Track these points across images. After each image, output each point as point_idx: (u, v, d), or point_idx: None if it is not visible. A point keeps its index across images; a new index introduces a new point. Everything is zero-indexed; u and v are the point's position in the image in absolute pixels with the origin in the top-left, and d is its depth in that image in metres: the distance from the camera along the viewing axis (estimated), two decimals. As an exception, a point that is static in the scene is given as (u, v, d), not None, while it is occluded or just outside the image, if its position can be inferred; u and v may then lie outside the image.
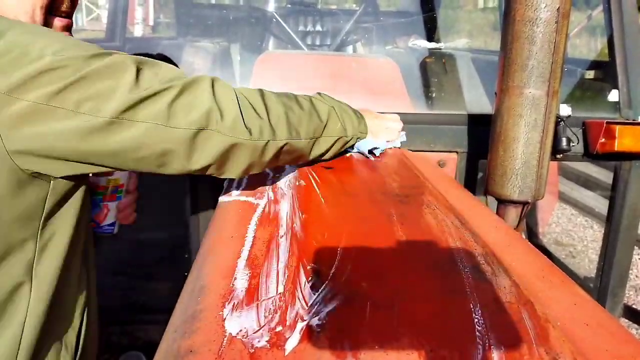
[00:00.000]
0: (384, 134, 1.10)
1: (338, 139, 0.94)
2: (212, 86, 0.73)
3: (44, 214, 0.68)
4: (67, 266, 0.74)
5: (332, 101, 0.96)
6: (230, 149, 0.73)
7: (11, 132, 0.60)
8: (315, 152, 0.91)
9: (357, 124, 0.99)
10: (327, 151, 0.94)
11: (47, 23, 0.75)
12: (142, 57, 0.73)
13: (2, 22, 0.64)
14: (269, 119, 0.77)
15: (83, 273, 0.80)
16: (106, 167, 0.69)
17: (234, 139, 0.72)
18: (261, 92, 0.81)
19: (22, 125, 0.60)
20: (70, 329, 0.77)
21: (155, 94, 0.67)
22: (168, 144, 0.69)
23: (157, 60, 0.74)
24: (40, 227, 0.68)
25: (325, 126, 0.90)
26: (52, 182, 0.68)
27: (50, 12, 0.75)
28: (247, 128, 0.73)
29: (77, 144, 0.64)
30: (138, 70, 0.68)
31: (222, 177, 0.78)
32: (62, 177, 0.68)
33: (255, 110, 0.76)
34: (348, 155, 1.06)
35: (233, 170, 0.77)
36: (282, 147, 0.79)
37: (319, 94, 0.97)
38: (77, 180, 0.71)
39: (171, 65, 0.75)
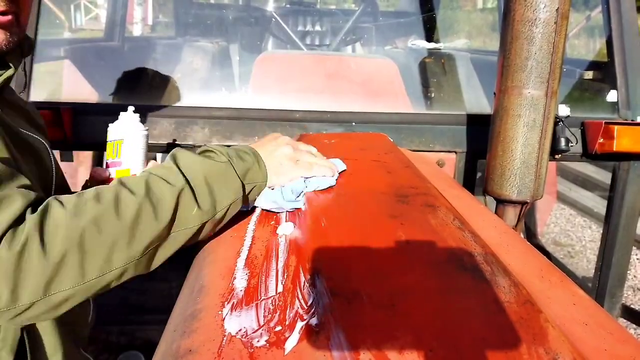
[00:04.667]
0: (292, 171, 0.78)
1: (202, 225, 0.67)
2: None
3: None
4: None
5: (193, 166, 0.67)
6: None
7: None
8: (159, 260, 0.66)
9: (242, 171, 0.72)
10: (182, 245, 0.67)
11: None
12: None
13: None
14: (41, 271, 0.54)
15: None
16: None
17: None
18: (58, 214, 0.57)
19: None
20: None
21: None
22: None
23: None
24: None
25: (170, 223, 0.63)
26: None
27: None
28: None
29: None
30: None
31: None
32: None
33: (14, 263, 0.53)
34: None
35: None
36: (66, 299, 0.57)
37: (177, 152, 0.70)
38: None
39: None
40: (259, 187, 0.76)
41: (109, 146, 0.91)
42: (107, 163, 0.91)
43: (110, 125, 0.92)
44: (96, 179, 0.92)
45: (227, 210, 0.70)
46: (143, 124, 0.94)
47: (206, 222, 0.68)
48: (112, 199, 0.60)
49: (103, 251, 0.57)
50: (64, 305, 0.58)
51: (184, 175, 0.66)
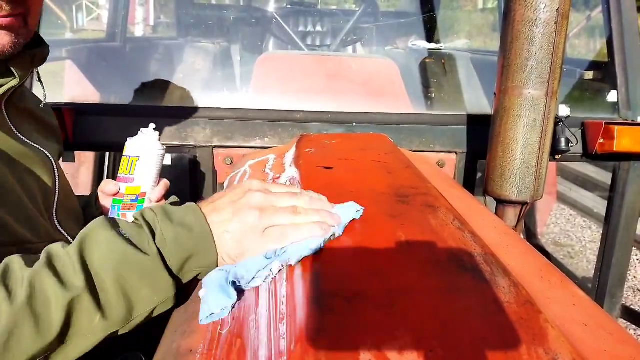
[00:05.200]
0: (257, 246, 0.57)
1: (110, 334, 0.54)
2: None
3: None
4: None
5: (101, 260, 0.52)
6: None
7: None
8: None
9: (178, 262, 0.56)
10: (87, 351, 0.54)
11: None
12: None
13: None
14: None
15: None
16: None
17: None
18: None
19: None
20: None
21: None
22: None
23: None
24: None
25: (60, 336, 0.49)
26: None
27: None
28: None
29: None
30: None
31: None
32: None
33: None
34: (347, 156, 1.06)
35: None
36: None
37: (87, 234, 0.54)
38: None
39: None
40: (205, 273, 0.58)
41: (124, 160, 0.91)
42: (118, 177, 0.91)
43: (128, 139, 0.92)
44: (106, 193, 0.92)
45: (150, 314, 0.55)
46: (160, 142, 0.93)
47: (116, 331, 0.54)
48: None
49: None
50: None
51: (85, 274, 0.50)
